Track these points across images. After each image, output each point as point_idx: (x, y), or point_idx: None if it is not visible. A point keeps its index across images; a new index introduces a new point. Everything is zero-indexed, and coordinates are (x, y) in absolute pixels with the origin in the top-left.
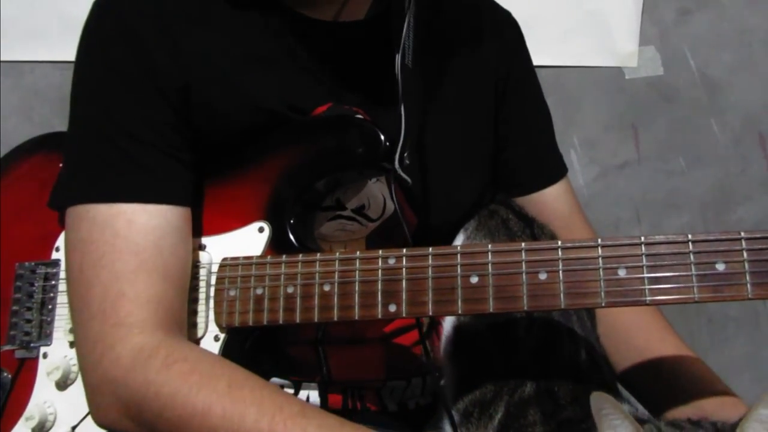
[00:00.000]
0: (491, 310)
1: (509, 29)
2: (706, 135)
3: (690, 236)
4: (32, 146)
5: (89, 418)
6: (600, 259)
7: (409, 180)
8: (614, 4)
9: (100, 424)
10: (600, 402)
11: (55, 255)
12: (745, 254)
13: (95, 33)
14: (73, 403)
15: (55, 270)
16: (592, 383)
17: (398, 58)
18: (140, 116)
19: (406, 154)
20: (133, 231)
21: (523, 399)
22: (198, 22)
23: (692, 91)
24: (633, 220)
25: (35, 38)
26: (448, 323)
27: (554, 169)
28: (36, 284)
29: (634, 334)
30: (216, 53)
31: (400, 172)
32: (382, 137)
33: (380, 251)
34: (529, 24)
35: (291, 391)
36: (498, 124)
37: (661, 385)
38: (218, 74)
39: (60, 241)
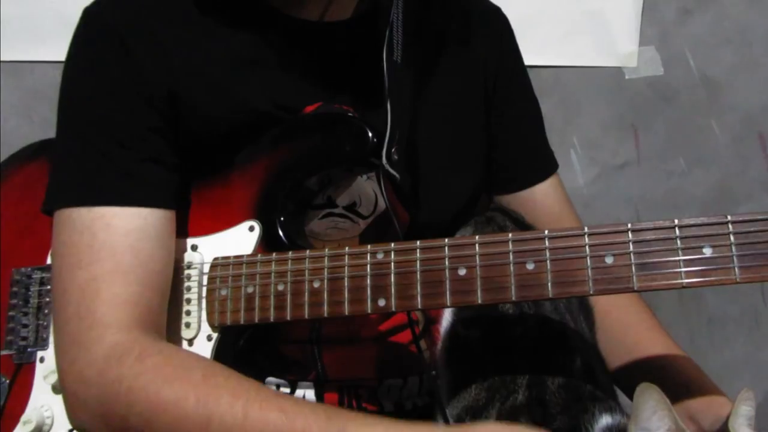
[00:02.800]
0: (480, 302)
1: (498, 25)
2: (706, 135)
3: (677, 221)
4: (30, 152)
5: None
6: (587, 247)
7: (397, 176)
8: (614, 4)
9: (75, 427)
10: (647, 394)
11: (50, 260)
12: (732, 238)
13: (83, 39)
14: None
15: (50, 275)
16: (586, 392)
17: (385, 53)
18: (123, 121)
19: (393, 150)
20: (111, 234)
21: (514, 407)
22: (185, 27)
23: (692, 91)
24: (633, 221)
25: (35, 38)
26: (443, 328)
27: (544, 166)
28: (32, 289)
29: (625, 333)
30: (204, 57)
31: (387, 167)
32: (370, 133)
33: (369, 246)
34: (529, 24)
35: (287, 390)
36: (489, 121)
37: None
38: (207, 78)
39: None
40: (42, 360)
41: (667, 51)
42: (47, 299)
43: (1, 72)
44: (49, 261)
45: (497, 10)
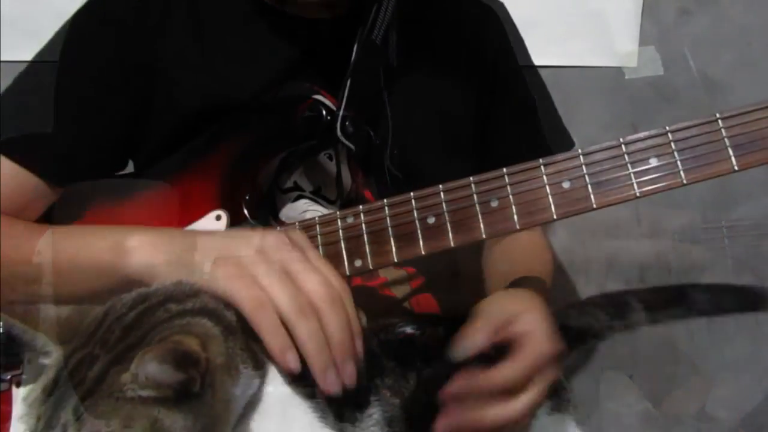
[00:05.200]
0: (452, 245)
1: (491, 22)
2: None
3: (621, 139)
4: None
5: None
6: (544, 176)
7: (352, 146)
8: (614, 4)
9: None
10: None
11: None
12: (673, 146)
13: (80, 14)
14: None
15: None
16: None
17: (358, 39)
18: (85, 97)
19: (348, 123)
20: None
21: None
22: (177, 15)
23: (692, 91)
24: (633, 221)
25: (35, 38)
26: None
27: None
28: None
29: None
30: (190, 40)
31: (342, 138)
32: (323, 110)
33: (337, 212)
34: (529, 24)
35: None
36: (483, 116)
37: None
38: (191, 60)
39: None
40: (19, 385)
41: (667, 51)
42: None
43: (0, 72)
44: None
45: (489, 9)
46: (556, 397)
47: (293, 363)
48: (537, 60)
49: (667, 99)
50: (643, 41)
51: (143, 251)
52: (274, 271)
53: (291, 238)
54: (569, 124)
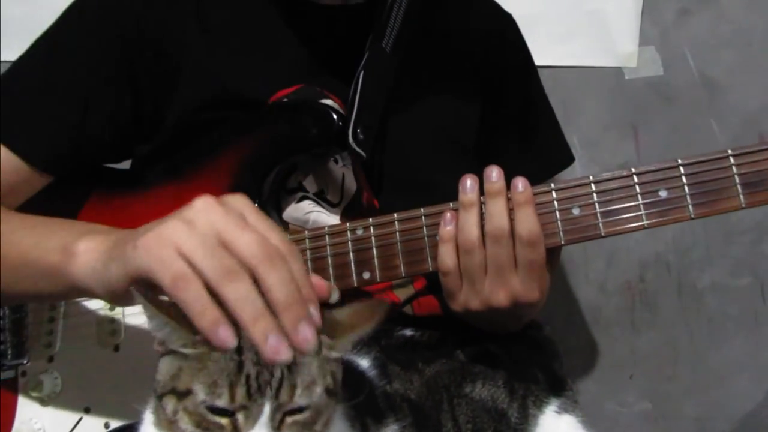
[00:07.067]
0: None
1: (507, 34)
2: (706, 135)
3: (633, 170)
4: None
5: (79, 427)
6: (555, 201)
7: (363, 153)
8: (614, 4)
9: None
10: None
11: None
12: (684, 179)
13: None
14: (60, 414)
15: None
16: None
17: (371, 38)
18: (80, 68)
19: (359, 130)
20: None
21: None
22: (184, 4)
23: (692, 91)
24: None
25: (35, 38)
26: None
27: (553, 163)
28: None
29: None
30: (199, 23)
31: (354, 146)
32: (335, 117)
33: (347, 224)
34: (529, 24)
35: None
36: (489, 127)
37: None
38: (198, 58)
39: None
40: (24, 374)
41: (667, 51)
42: (20, 315)
43: (1, 72)
44: None
45: (501, 14)
46: (563, 398)
47: (228, 339)
48: (537, 60)
49: (667, 99)
50: (643, 41)
51: (88, 256)
52: (199, 236)
53: (225, 201)
54: (569, 124)
